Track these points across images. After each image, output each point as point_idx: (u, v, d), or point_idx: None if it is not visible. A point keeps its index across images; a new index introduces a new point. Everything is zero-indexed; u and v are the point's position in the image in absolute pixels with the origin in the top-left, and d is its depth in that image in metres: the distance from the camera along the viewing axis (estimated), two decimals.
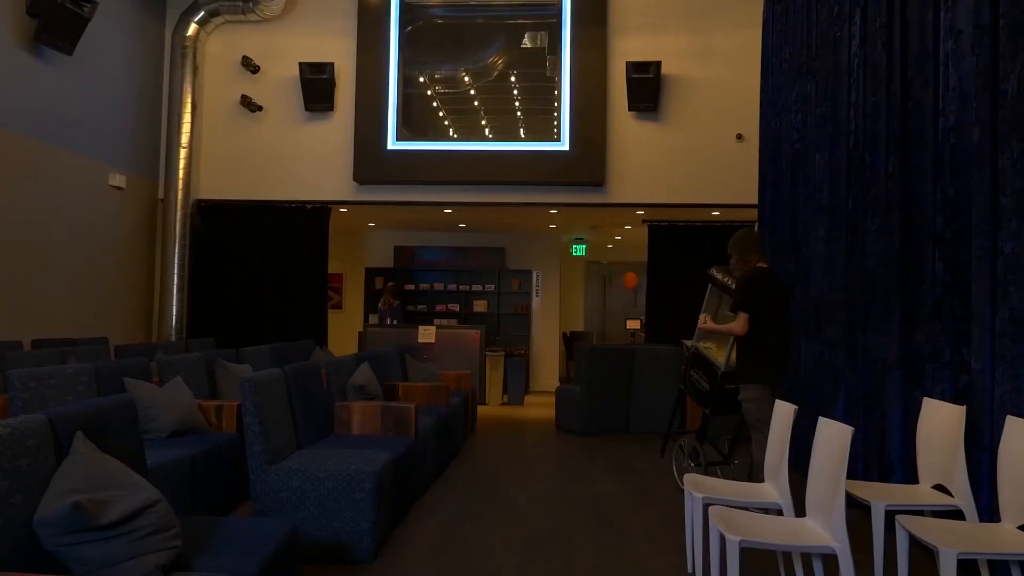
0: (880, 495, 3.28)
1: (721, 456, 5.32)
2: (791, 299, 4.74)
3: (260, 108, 8.97)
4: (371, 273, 12.23)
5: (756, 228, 7.12)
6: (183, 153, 8.77)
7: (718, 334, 5.13)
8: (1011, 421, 2.92)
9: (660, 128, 8.72)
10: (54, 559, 2.09)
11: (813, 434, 3.06)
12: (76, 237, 7.50)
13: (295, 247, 9.11)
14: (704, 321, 5.05)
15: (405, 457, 4.43)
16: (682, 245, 9.48)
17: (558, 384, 9.15)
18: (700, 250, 9.39)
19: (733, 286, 4.86)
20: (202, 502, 4.11)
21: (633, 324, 13.00)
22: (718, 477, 4.53)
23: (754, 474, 4.74)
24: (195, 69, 8.85)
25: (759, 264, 4.72)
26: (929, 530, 2.73)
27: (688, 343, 5.63)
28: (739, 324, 4.48)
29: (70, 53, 7.09)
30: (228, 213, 9.03)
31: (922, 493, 3.38)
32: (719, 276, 5.22)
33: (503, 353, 10.23)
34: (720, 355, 5.11)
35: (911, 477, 3.91)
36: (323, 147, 8.99)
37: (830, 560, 2.71)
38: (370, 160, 8.81)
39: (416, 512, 4.51)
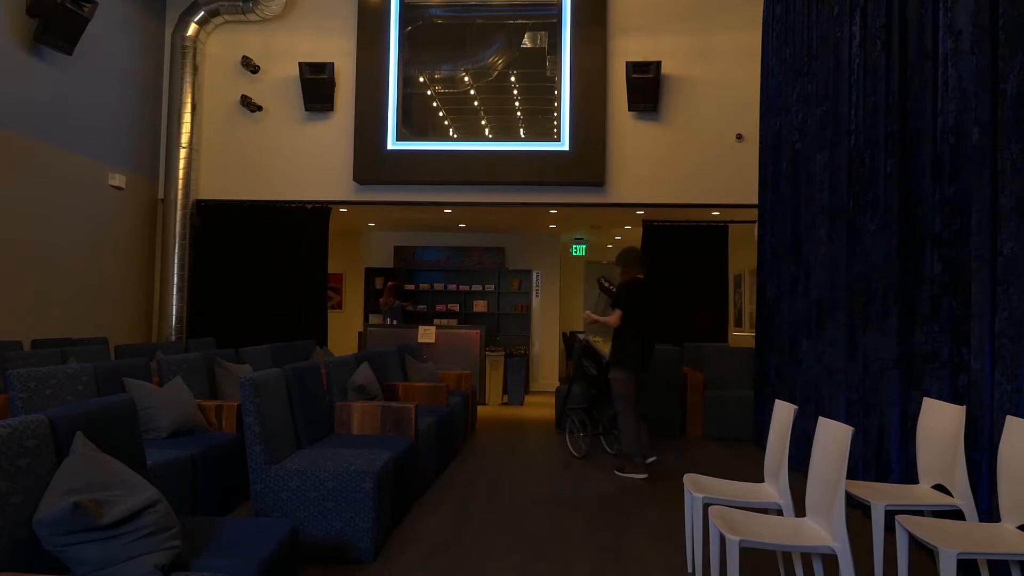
0: (880, 495, 3.28)
1: (603, 427, 6.66)
2: (660, 306, 6.01)
3: (260, 108, 8.97)
4: (371, 273, 12.23)
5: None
6: (183, 153, 8.78)
7: (603, 328, 6.17)
8: (1011, 421, 2.92)
9: (660, 128, 8.72)
10: (54, 559, 2.09)
11: (813, 434, 3.07)
12: (76, 237, 7.51)
13: (295, 247, 9.11)
14: (590, 317, 6.13)
15: (405, 457, 4.43)
16: (675, 245, 9.49)
17: (558, 384, 9.14)
18: (691, 250, 9.41)
19: (614, 291, 5.97)
20: (202, 502, 4.11)
21: None
22: (602, 444, 6.65)
23: (624, 451, 5.75)
24: (195, 69, 8.86)
25: (637, 275, 5.82)
26: (929, 530, 2.73)
27: (580, 336, 6.77)
28: (613, 318, 5.67)
29: (70, 53, 7.09)
30: (228, 213, 9.03)
31: (922, 493, 3.38)
32: (605, 283, 6.27)
33: (503, 353, 10.23)
34: (606, 347, 6.15)
35: (910, 477, 3.92)
36: (323, 147, 8.99)
37: (830, 560, 2.72)
38: (370, 160, 8.81)
39: (416, 512, 4.52)
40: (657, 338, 5.93)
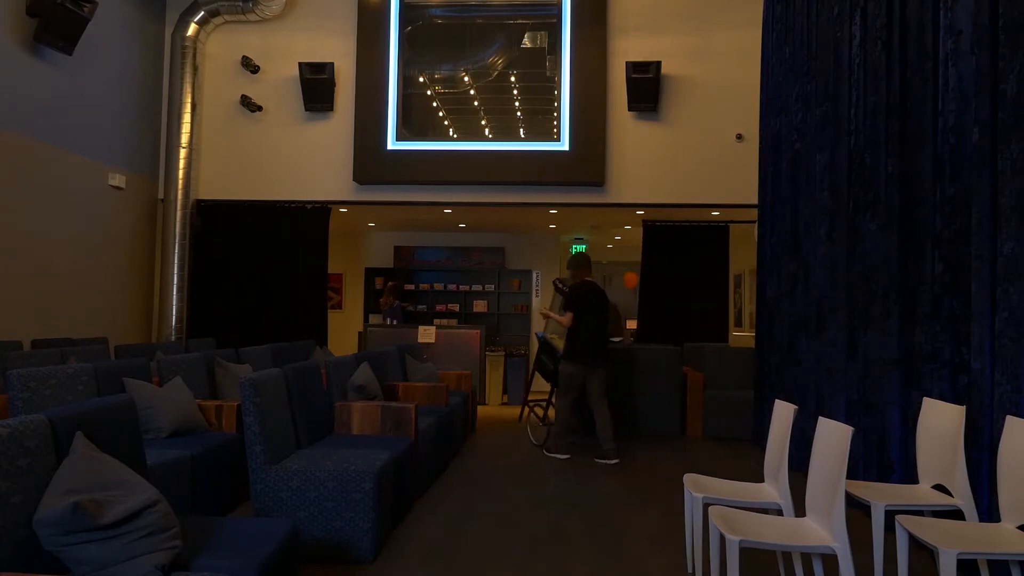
0: (880, 495, 3.28)
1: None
2: (608, 306, 6.46)
3: (260, 108, 8.97)
4: (371, 273, 12.23)
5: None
6: (183, 153, 8.78)
7: (558, 327, 6.58)
8: (1011, 421, 2.92)
9: (660, 128, 8.72)
10: (54, 559, 2.09)
11: (813, 434, 3.07)
12: (76, 237, 7.50)
13: (295, 247, 9.11)
14: (544, 312, 6.71)
15: (405, 457, 4.43)
16: (676, 245, 9.50)
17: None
18: (691, 250, 9.41)
19: (567, 292, 6.51)
20: (202, 502, 4.11)
21: (633, 324, 13.00)
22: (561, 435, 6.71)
23: (554, 432, 6.40)
24: (195, 69, 8.86)
25: (587, 278, 6.41)
26: (929, 530, 2.73)
27: (538, 334, 7.30)
28: (566, 318, 6.22)
29: (70, 53, 7.09)
30: (228, 213, 9.03)
31: (922, 493, 3.38)
32: (559, 285, 6.85)
33: (503, 353, 10.23)
34: (561, 343, 6.56)
35: (910, 477, 3.92)
36: (323, 147, 8.99)
37: (830, 560, 2.72)
38: (370, 160, 8.81)
39: (416, 512, 4.51)
40: (604, 335, 6.56)
